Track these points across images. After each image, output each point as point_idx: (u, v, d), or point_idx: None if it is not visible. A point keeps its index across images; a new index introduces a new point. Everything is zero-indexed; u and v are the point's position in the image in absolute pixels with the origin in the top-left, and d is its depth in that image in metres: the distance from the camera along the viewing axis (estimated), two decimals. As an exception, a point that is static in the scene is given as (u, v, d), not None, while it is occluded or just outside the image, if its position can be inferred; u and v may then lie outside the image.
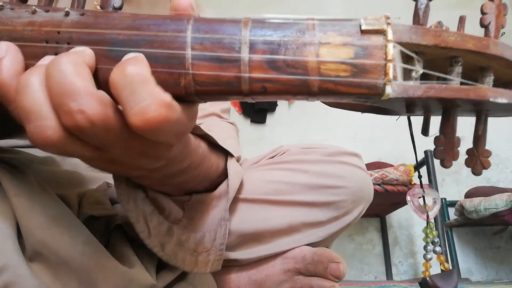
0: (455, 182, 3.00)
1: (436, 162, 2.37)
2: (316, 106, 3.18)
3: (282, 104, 3.28)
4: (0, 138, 0.52)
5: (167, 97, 0.31)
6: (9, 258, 0.41)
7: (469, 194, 2.59)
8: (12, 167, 0.50)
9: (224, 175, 0.64)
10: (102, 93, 0.31)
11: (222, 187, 0.62)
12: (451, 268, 0.47)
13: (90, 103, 0.30)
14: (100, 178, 0.75)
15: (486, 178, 3.00)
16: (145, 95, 0.30)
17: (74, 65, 0.30)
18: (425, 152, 2.41)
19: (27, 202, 0.45)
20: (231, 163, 0.65)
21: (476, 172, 0.34)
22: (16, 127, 0.45)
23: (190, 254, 0.57)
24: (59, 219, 0.48)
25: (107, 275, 0.48)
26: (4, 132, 0.47)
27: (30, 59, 0.35)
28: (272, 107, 3.26)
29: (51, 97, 0.30)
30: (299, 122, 3.22)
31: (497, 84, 0.33)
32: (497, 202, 2.19)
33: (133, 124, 0.30)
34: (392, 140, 3.02)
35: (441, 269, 0.40)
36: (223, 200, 0.61)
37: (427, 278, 0.41)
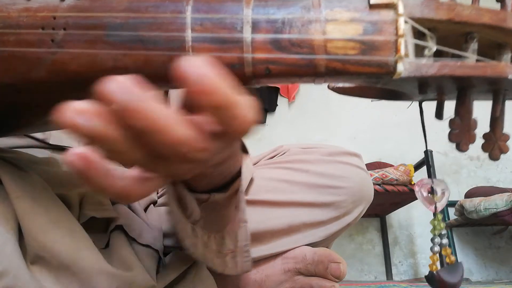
0: (455, 182, 3.00)
1: (436, 162, 2.37)
2: (316, 106, 3.19)
3: (282, 104, 3.29)
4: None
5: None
6: (10, 262, 0.41)
7: (469, 194, 2.59)
8: (15, 167, 0.49)
9: (236, 173, 0.63)
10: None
11: (234, 186, 0.61)
12: (457, 261, 0.46)
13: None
14: (100, 178, 0.74)
15: (486, 178, 3.00)
16: (243, 112, 0.28)
17: (170, 118, 0.28)
18: (425, 152, 2.40)
19: (29, 204, 0.45)
20: (245, 160, 0.64)
21: (494, 157, 0.33)
22: (13, 125, 0.44)
23: (216, 256, 0.57)
24: (60, 222, 0.47)
25: (108, 279, 0.48)
26: (1, 131, 0.46)
27: (26, 46, 0.34)
28: (272, 107, 3.26)
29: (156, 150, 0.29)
30: (299, 122, 3.22)
31: (515, 62, 0.32)
32: (497, 202, 2.19)
33: (236, 132, 0.29)
34: (392, 140, 3.02)
35: (446, 262, 0.38)
36: (235, 199, 0.60)
37: (435, 273, 0.39)
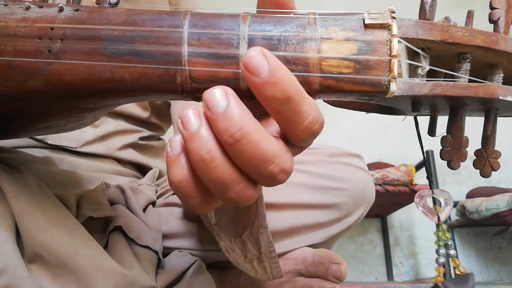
0: (456, 182, 2.98)
1: (437, 162, 2.37)
2: (316, 106, 3.17)
3: (282, 104, 3.27)
4: None
5: (315, 101, 0.30)
6: (8, 260, 0.41)
7: (470, 195, 2.58)
8: (11, 168, 0.49)
9: None
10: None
11: None
12: (467, 272, 0.45)
13: (287, 160, 0.30)
14: (99, 178, 0.74)
15: (488, 179, 2.99)
16: (310, 110, 0.29)
17: (257, 131, 0.29)
18: (427, 152, 2.39)
19: (25, 203, 0.45)
20: None
21: (485, 174, 0.33)
22: (8, 131, 0.44)
23: (244, 260, 0.57)
24: (57, 220, 0.48)
25: (107, 277, 0.47)
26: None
27: (23, 56, 0.34)
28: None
29: (244, 166, 0.29)
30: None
31: (507, 81, 0.32)
32: (499, 203, 2.18)
33: (300, 138, 0.30)
34: (393, 140, 3.00)
35: (456, 273, 0.38)
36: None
37: (440, 284, 0.39)
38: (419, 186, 2.32)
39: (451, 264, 0.38)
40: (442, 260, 0.38)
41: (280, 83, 0.27)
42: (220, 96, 0.28)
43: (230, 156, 0.29)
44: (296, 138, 0.30)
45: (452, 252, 0.38)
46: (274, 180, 0.30)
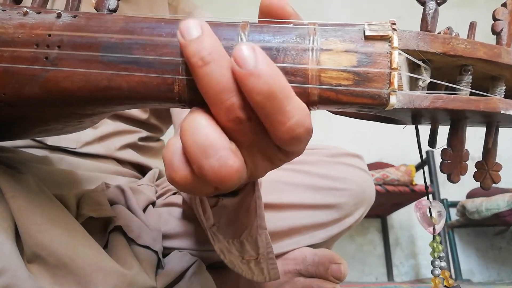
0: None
1: (438, 162, 2.36)
2: (317, 105, 3.16)
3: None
4: None
5: (306, 107, 0.30)
6: (7, 260, 0.41)
7: (470, 195, 2.58)
8: (10, 168, 0.50)
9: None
10: None
11: (244, 191, 0.60)
12: (455, 284, 0.45)
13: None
14: (98, 178, 0.74)
15: (488, 179, 2.98)
16: (294, 111, 0.29)
17: (224, 58, 0.29)
18: (427, 152, 2.39)
19: (24, 203, 0.45)
20: None
21: (486, 187, 0.33)
22: (6, 134, 0.44)
23: (241, 262, 0.57)
24: (57, 220, 0.48)
25: (106, 277, 0.47)
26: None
27: (20, 62, 0.34)
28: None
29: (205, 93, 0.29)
30: (300, 121, 3.20)
31: (509, 94, 0.32)
32: (499, 203, 2.17)
33: (282, 140, 0.30)
34: (393, 140, 2.99)
35: (445, 285, 0.38)
36: (245, 204, 0.60)
37: None
38: (419, 186, 2.32)
39: (441, 276, 0.38)
40: (437, 272, 0.38)
41: (264, 77, 0.27)
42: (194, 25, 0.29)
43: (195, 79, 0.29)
44: (278, 139, 0.30)
45: (443, 264, 0.38)
46: (229, 113, 0.29)
